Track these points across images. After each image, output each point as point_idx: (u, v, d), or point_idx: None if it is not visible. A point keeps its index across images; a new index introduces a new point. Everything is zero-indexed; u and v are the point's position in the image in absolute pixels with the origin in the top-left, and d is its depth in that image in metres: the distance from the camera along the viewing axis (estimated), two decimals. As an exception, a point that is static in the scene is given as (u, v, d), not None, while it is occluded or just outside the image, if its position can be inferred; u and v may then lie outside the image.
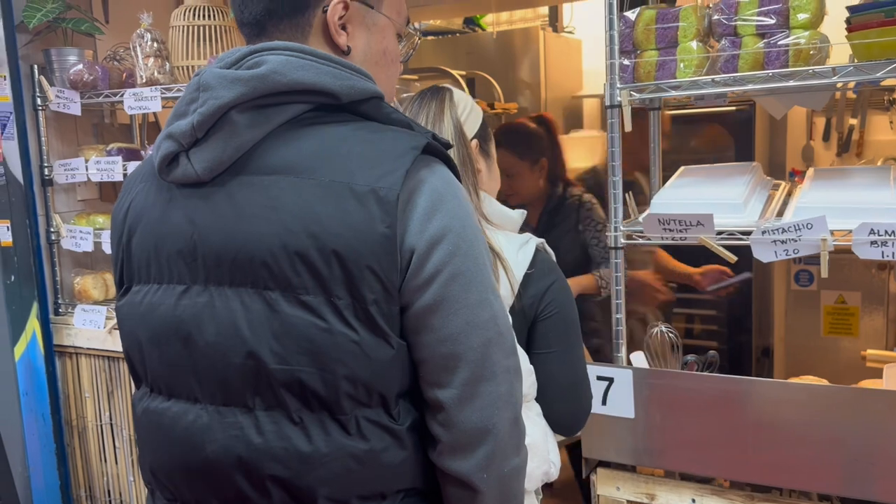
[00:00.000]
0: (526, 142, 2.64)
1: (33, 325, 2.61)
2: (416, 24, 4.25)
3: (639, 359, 1.73)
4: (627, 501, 1.74)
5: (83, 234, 2.55)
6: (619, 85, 1.66)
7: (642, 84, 1.65)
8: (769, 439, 1.55)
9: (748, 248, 1.52)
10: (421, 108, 1.36)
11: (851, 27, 1.51)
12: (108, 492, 2.73)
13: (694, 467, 1.66)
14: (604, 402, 1.66)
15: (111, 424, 2.67)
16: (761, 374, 3.37)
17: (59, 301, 2.69)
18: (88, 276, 2.67)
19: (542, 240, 1.36)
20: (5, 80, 2.47)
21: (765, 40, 1.54)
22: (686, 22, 1.61)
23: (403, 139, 0.95)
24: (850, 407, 1.49)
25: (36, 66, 2.54)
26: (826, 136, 3.79)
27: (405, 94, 1.43)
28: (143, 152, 2.60)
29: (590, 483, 1.78)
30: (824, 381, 1.72)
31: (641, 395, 1.64)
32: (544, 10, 4.45)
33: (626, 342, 1.71)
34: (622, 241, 1.68)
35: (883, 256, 1.41)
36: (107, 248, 2.50)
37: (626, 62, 1.66)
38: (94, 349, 2.62)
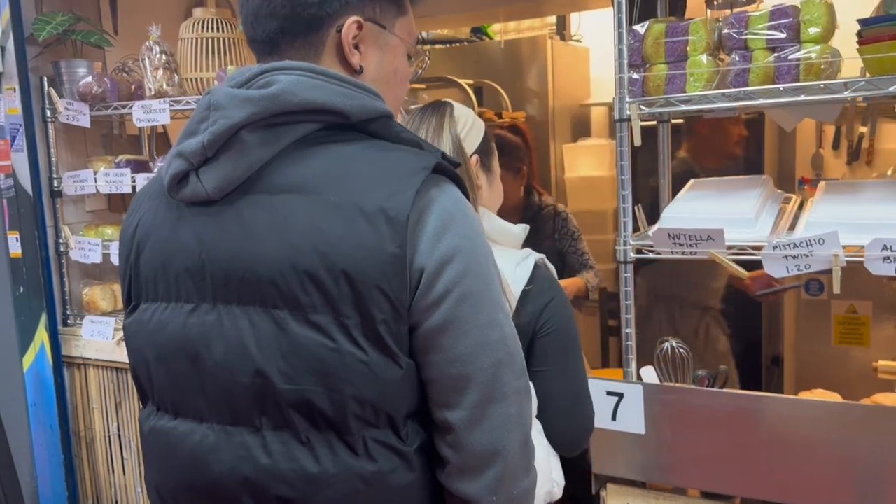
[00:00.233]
0: (509, 152, 2.66)
1: (42, 336, 2.61)
2: (425, 34, 4.25)
3: (649, 374, 1.72)
4: (637, 517, 1.73)
5: (92, 245, 2.55)
6: (628, 99, 1.65)
7: (652, 98, 1.64)
8: (781, 456, 1.54)
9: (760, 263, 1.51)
10: (422, 123, 1.36)
11: (863, 40, 1.50)
12: (116, 502, 2.72)
13: (705, 484, 1.64)
14: (614, 418, 1.65)
15: (119, 435, 2.67)
16: (771, 383, 3.35)
17: (68, 312, 2.70)
18: (97, 287, 2.67)
19: (543, 255, 1.35)
20: (15, 92, 2.49)
21: (775, 54, 1.53)
22: (696, 36, 1.61)
23: (413, 159, 0.95)
24: (863, 424, 1.47)
25: (45, 79, 2.55)
26: (836, 145, 3.77)
27: (413, 106, 1.42)
28: (151, 164, 2.61)
29: (599, 498, 1.77)
30: (836, 396, 1.70)
31: (652, 410, 1.63)
32: (552, 18, 4.44)
33: (635, 357, 1.70)
34: (632, 255, 1.67)
35: (896, 272, 1.40)
36: (115, 260, 2.51)
37: (635, 76, 1.65)
38: (102, 360, 2.62)
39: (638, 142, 1.63)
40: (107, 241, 2.56)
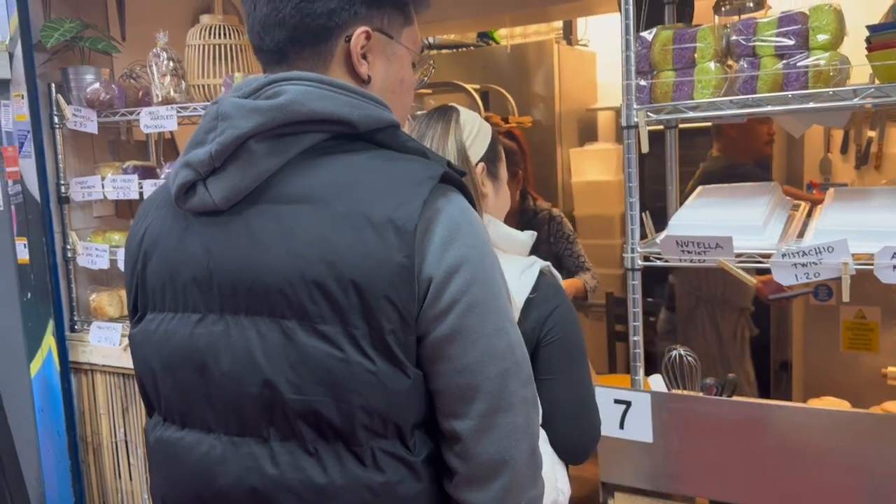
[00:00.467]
0: (507, 157, 2.68)
1: (49, 342, 2.62)
2: (431, 39, 4.26)
3: (657, 382, 1.71)
4: (645, 526, 1.72)
5: (99, 251, 2.56)
6: (635, 106, 1.65)
7: (659, 105, 1.64)
8: (790, 465, 1.53)
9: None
10: (427, 129, 1.35)
11: (872, 46, 1.49)
12: (123, 508, 2.73)
13: (713, 493, 1.63)
14: (621, 426, 1.64)
15: (126, 441, 2.67)
16: (779, 389, 3.33)
17: (75, 318, 2.70)
18: (104, 293, 2.68)
19: (548, 263, 1.34)
20: (23, 98, 2.50)
21: (784, 61, 1.52)
22: (704, 42, 1.60)
23: (420, 168, 0.95)
24: (873, 433, 1.46)
25: (53, 85, 2.56)
26: (844, 149, 3.76)
27: (420, 112, 1.42)
28: (158, 170, 2.61)
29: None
30: (846, 404, 1.69)
31: (660, 419, 1.62)
32: (558, 23, 4.44)
33: (643, 365, 1.70)
34: (639, 262, 1.66)
35: (906, 280, 1.39)
36: (122, 266, 2.50)
37: (642, 83, 1.65)
38: (109, 366, 2.62)
39: (646, 149, 1.63)
40: (114, 246, 2.57)
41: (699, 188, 1.89)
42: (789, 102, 1.51)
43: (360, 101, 0.96)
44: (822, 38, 1.49)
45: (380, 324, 0.89)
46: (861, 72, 1.56)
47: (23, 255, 2.57)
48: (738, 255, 1.54)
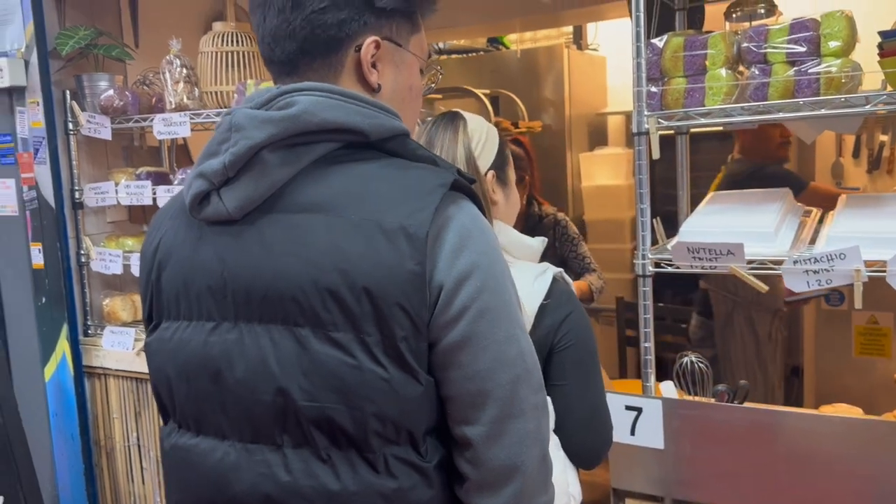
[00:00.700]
0: (514, 163, 2.70)
1: (63, 346, 2.64)
2: (441, 44, 4.27)
3: (668, 388, 1.71)
4: (656, 532, 1.72)
5: (112, 256, 2.58)
6: (646, 112, 1.65)
7: (670, 111, 1.64)
8: (802, 472, 1.52)
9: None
10: (435, 137, 1.36)
11: (884, 52, 1.49)
12: (136, 512, 2.75)
13: (724, 499, 1.63)
14: (632, 433, 1.64)
15: (139, 445, 2.69)
16: (790, 394, 3.32)
17: (89, 322, 2.72)
18: (117, 298, 2.70)
19: (561, 269, 1.34)
20: (38, 105, 2.52)
21: (795, 68, 1.52)
22: (715, 49, 1.60)
23: (430, 177, 0.96)
24: (886, 441, 1.45)
25: (68, 92, 2.59)
26: (856, 153, 3.74)
27: (430, 118, 1.42)
28: (171, 176, 2.63)
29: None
30: (858, 410, 1.68)
31: (671, 425, 1.62)
32: (568, 28, 4.44)
33: (654, 371, 1.70)
34: (650, 268, 1.66)
35: (919, 287, 1.38)
36: (135, 271, 2.53)
37: (653, 89, 1.65)
38: (122, 370, 2.64)
39: (656, 155, 1.63)
40: (127, 252, 2.58)
41: (711, 194, 1.88)
42: (801, 109, 1.51)
43: (370, 111, 0.97)
44: (833, 44, 1.48)
45: (392, 331, 0.90)
46: (873, 78, 1.56)
47: (37, 260, 2.60)
48: (750, 262, 1.54)
